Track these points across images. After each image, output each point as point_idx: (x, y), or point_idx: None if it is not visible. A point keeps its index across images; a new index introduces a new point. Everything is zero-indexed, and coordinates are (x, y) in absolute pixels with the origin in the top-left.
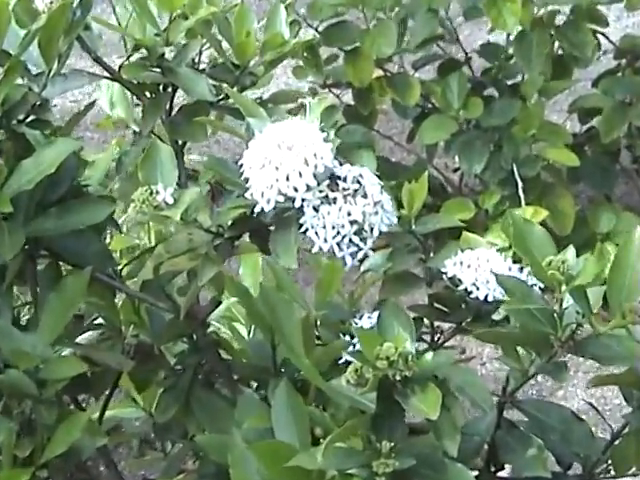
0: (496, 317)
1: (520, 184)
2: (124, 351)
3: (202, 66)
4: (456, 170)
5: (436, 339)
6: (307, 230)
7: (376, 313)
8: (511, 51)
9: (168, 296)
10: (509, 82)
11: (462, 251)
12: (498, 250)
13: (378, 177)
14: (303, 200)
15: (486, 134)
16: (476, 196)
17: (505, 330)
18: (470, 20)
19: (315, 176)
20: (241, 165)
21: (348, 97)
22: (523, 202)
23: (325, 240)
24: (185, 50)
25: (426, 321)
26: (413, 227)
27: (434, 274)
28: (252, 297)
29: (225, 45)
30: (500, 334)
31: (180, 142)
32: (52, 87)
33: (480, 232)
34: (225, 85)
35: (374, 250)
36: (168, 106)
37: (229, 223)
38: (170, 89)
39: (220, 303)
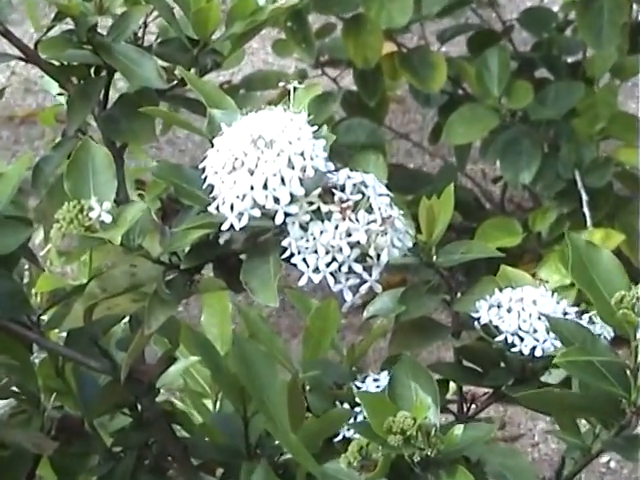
0: (547, 378)
1: (585, 198)
2: (43, 428)
3: (148, 42)
4: (497, 180)
5: (467, 408)
6: (292, 256)
7: (386, 374)
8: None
9: (103, 352)
10: (568, 59)
11: (501, 290)
12: (555, 289)
13: (387, 188)
14: (287, 215)
15: (537, 130)
16: (524, 215)
17: (559, 392)
18: None
19: (303, 183)
20: (203, 170)
21: (349, 81)
22: (589, 222)
23: (316, 269)
24: (125, 20)
25: (453, 385)
26: (435, 257)
27: (463, 321)
28: (218, 353)
29: (179, 13)
30: (552, 398)
31: (119, 144)
32: None
33: (530, 265)
34: (179, 67)
35: (383, 287)
36: (102, 96)
37: (186, 250)
38: (105, 73)
39: (174, 361)
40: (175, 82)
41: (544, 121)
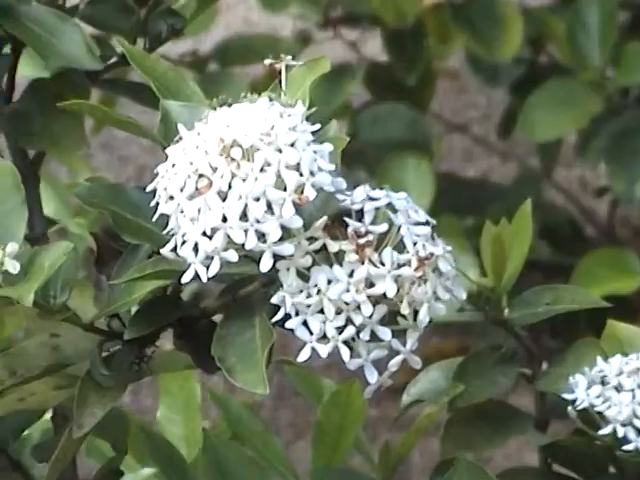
0: None
1: None
2: None
3: (72, 2)
4: (602, 192)
5: None
6: (287, 318)
7: None
8: None
9: (14, 464)
10: None
11: (607, 359)
12: None
13: (431, 213)
14: (277, 258)
15: None
16: None
17: None
18: None
19: (300, 210)
20: (153, 192)
21: (375, 47)
22: None
23: (324, 337)
24: None
25: None
26: (507, 312)
27: (552, 406)
28: (184, 461)
29: None
30: None
31: (32, 153)
32: None
33: None
34: (119, 38)
35: (430, 358)
36: (6, 83)
37: (133, 311)
38: (8, 49)
39: (120, 476)
40: (113, 60)
41: None
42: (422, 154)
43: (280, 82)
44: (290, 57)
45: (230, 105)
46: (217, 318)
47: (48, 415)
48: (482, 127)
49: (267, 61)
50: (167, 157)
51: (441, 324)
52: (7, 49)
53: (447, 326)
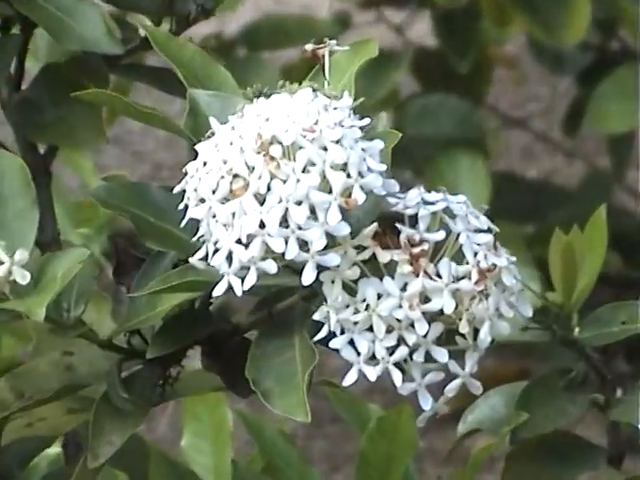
0: None
1: None
2: None
3: None
4: None
5: None
6: (332, 337)
7: None
8: None
9: None
10: None
11: None
12: None
13: (490, 217)
14: (321, 269)
15: None
16: None
17: None
18: None
19: (347, 215)
20: (181, 194)
21: (422, 30)
22: None
23: (373, 358)
24: None
25: None
26: (577, 331)
27: (626, 437)
28: None
29: None
30: None
31: (44, 148)
32: None
33: None
34: (142, 19)
35: (490, 383)
36: (15, 68)
37: (156, 327)
38: (18, 30)
39: None
40: (135, 43)
41: None
42: (476, 152)
43: (323, 69)
44: (334, 41)
45: (267, 96)
46: (251, 335)
47: (59, 442)
48: (544, 122)
49: (308, 46)
50: (197, 154)
51: (502, 345)
52: (16, 30)
53: (505, 346)
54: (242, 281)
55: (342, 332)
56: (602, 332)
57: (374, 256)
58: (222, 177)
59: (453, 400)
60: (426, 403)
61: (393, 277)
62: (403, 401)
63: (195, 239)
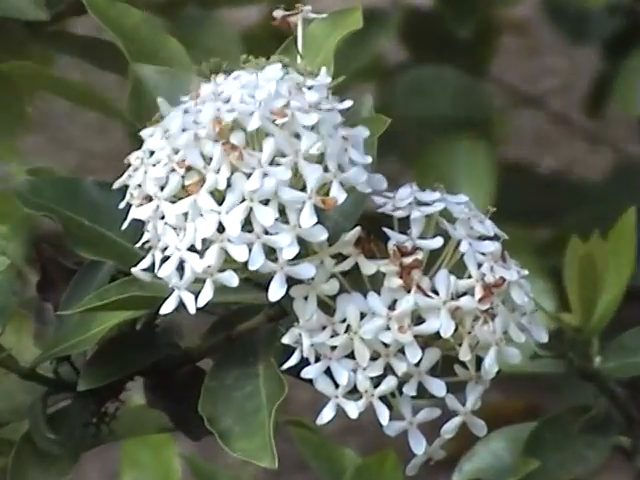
0: None
1: None
2: None
3: None
4: None
5: None
6: (304, 364)
7: None
8: None
9: None
10: None
11: None
12: None
13: (495, 219)
14: (291, 282)
15: None
16: None
17: None
18: None
19: (323, 217)
20: (122, 191)
21: None
22: None
23: (354, 391)
24: None
25: None
26: (598, 360)
27: None
28: None
29: None
30: None
31: None
32: None
33: None
34: None
35: (493, 422)
36: None
37: (89, 354)
38: None
39: None
40: (61, 8)
41: None
42: (478, 135)
43: (295, 41)
44: (309, 7)
45: (227, 72)
46: (205, 363)
47: None
48: (562, 100)
49: (277, 12)
50: (141, 142)
51: (507, 376)
52: None
53: (510, 378)
54: (196, 297)
55: (317, 359)
56: (628, 362)
57: (356, 267)
58: (172, 170)
59: (452, 444)
60: (419, 446)
61: (379, 292)
62: (385, 444)
63: (138, 245)
